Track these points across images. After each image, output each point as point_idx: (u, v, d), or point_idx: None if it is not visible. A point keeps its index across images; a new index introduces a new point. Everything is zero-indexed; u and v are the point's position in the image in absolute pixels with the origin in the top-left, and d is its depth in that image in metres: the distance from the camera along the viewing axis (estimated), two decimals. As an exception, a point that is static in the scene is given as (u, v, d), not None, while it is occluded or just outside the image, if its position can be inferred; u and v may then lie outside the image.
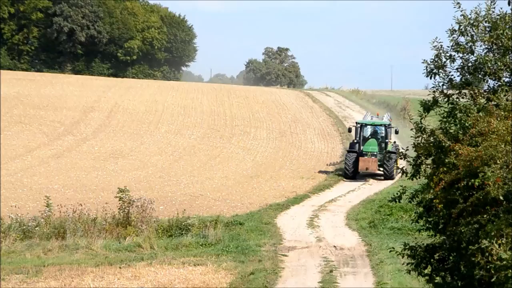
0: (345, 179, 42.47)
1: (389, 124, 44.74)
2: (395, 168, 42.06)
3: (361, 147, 43.26)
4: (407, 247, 12.80)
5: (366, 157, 42.50)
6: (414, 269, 12.68)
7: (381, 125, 44.83)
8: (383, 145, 43.92)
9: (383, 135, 44.40)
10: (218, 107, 71.58)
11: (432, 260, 12.62)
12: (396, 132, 44.86)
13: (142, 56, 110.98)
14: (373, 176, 43.52)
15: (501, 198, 10.66)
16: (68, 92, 72.98)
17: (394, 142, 44.74)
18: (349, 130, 47.35)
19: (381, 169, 43.20)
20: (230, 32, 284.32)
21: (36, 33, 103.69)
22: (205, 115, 67.11)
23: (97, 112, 64.98)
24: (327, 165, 47.56)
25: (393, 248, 13.45)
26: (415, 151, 13.08)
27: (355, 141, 44.19)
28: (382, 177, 42.99)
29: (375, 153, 42.75)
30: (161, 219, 27.77)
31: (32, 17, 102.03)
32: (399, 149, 41.92)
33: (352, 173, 42.57)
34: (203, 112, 68.28)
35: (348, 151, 43.80)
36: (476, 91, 13.11)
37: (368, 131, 44.94)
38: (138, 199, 27.50)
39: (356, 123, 45.39)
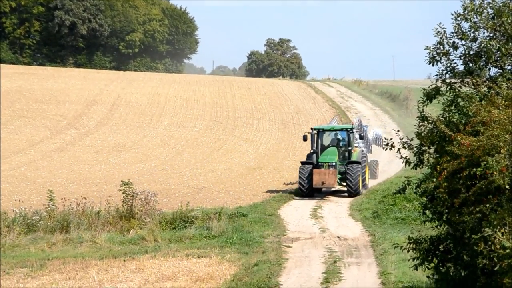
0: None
1: (352, 128, 37.38)
2: (360, 182, 34.72)
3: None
4: (411, 241, 12.75)
5: (322, 169, 34.38)
6: (420, 264, 12.65)
7: (342, 130, 37.21)
8: (346, 154, 36.06)
9: (346, 142, 36.54)
10: (221, 99, 71.57)
11: (437, 252, 12.60)
12: (361, 138, 39.52)
13: (143, 49, 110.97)
14: (334, 193, 35.90)
15: (507, 186, 10.66)
16: (70, 85, 73.04)
17: (362, 150, 37.92)
18: (304, 138, 37.00)
19: (344, 184, 35.27)
20: (232, 24, 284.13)
21: (37, 27, 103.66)
22: (208, 107, 67.13)
23: (99, 105, 65.04)
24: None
25: (397, 243, 13.40)
26: (418, 139, 13.08)
27: (312, 151, 36.18)
28: (346, 194, 35.02)
29: (334, 163, 34.57)
30: (165, 212, 27.79)
31: (33, 11, 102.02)
32: (366, 159, 36.91)
33: (307, 189, 34.43)
34: (205, 104, 68.29)
35: (303, 163, 35.32)
36: (478, 79, 13.08)
37: (327, 138, 37.13)
38: (142, 192, 27.52)
39: (312, 129, 36.86)
